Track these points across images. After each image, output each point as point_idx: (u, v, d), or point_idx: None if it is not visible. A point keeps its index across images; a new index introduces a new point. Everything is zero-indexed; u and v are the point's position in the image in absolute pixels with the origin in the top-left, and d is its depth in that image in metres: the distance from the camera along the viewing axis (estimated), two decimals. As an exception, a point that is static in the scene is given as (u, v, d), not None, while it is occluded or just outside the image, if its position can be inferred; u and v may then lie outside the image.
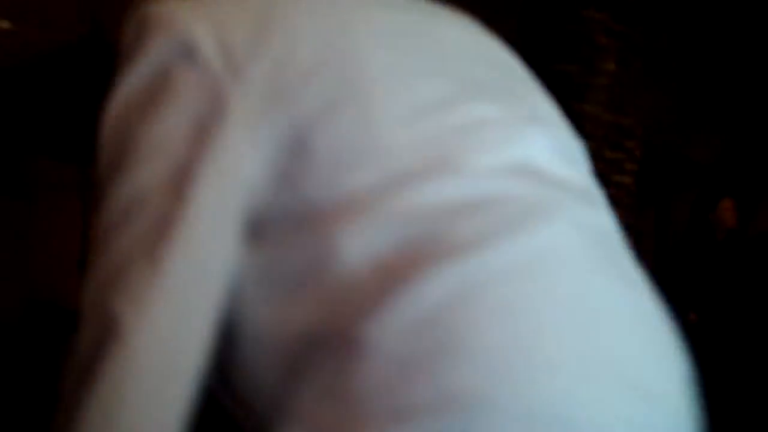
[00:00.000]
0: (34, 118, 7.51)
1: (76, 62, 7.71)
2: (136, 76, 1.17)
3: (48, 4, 9.18)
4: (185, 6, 1.23)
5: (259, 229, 1.15)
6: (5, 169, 9.00)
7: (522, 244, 1.14)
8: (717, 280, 7.58)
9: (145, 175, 1.12)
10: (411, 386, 1.06)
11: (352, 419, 1.07)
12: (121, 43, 1.25)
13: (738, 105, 9.93)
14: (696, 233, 8.02)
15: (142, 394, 1.09)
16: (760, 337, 7.35)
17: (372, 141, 1.15)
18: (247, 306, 1.16)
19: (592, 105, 6.43)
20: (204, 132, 1.13)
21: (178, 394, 1.12)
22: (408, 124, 1.17)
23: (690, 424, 1.25)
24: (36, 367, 7.61)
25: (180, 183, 1.11)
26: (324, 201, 1.13)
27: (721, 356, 7.40)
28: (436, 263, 1.10)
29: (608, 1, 6.45)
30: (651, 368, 1.19)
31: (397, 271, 1.09)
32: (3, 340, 8.30)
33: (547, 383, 1.07)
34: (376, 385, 1.06)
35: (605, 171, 6.43)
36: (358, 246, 1.11)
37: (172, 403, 1.12)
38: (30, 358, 7.91)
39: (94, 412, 1.08)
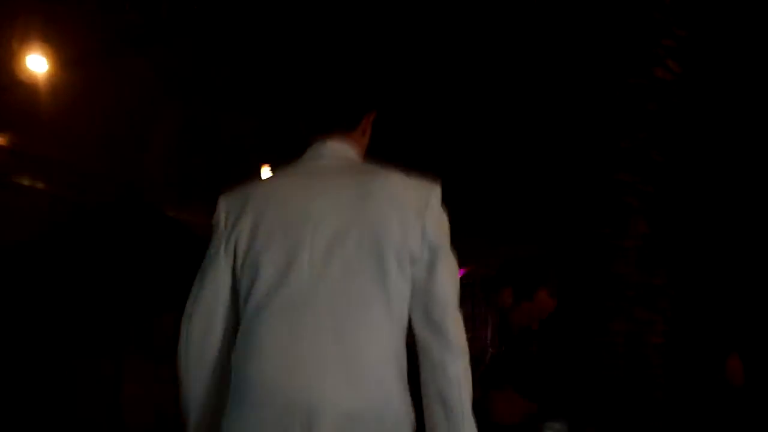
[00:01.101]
0: (71, 279, 7.59)
1: (114, 222, 7.83)
2: None
3: (81, 166, 9.39)
4: (222, 198, 3.10)
5: None
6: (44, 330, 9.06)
7: None
8: None
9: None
10: None
11: None
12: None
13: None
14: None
15: None
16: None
17: None
18: None
19: (624, 266, 6.45)
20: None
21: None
22: None
23: None
24: None
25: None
26: None
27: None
28: None
29: (638, 162, 6.53)
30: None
31: None
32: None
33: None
34: None
35: (636, 330, 6.43)
36: None
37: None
38: None
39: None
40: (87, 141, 9.86)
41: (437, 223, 2.89)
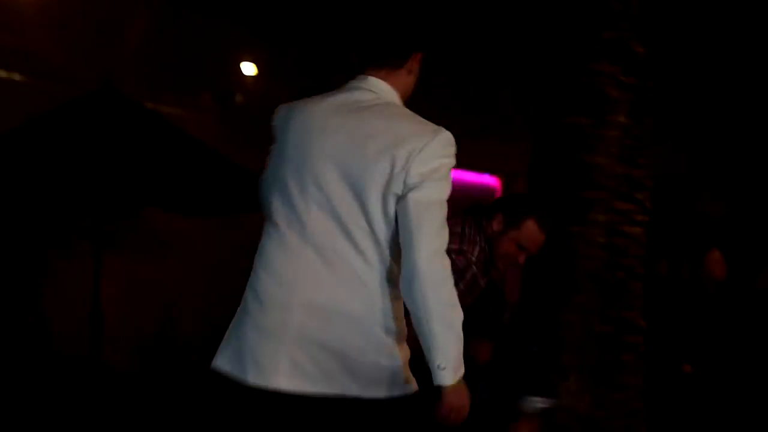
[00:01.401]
0: (49, 172, 7.53)
1: (90, 115, 7.76)
2: None
3: (60, 59, 9.29)
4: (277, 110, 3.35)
5: None
6: (21, 222, 9.05)
7: None
8: (708, 333, 7.65)
9: None
10: None
11: None
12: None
13: (750, 160, 9.94)
14: (688, 286, 8.06)
15: None
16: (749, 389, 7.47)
17: None
18: None
19: (603, 157, 6.46)
20: None
21: None
22: None
23: None
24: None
25: None
26: None
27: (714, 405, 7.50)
28: None
29: (620, 53, 6.50)
30: None
31: None
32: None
33: None
34: None
35: (615, 221, 6.46)
36: None
37: None
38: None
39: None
40: (64, 33, 9.75)
41: (426, 166, 3.08)
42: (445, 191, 3.14)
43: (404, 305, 3.16)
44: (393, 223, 3.10)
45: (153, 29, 10.23)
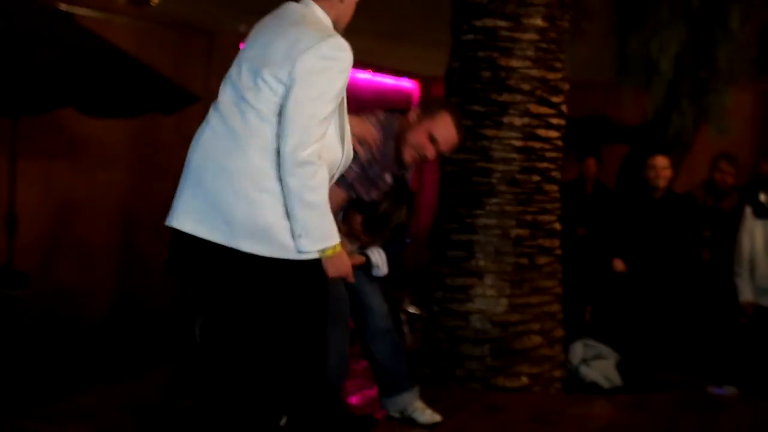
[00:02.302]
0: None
1: (4, 15, 7.59)
2: None
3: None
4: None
5: None
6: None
7: None
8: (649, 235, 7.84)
9: None
10: None
11: None
12: None
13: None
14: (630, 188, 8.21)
15: None
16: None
17: None
18: None
19: (520, 60, 6.47)
20: None
21: None
22: None
23: None
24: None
25: None
26: None
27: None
28: None
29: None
30: None
31: None
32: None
33: None
34: None
35: (532, 125, 6.50)
36: None
37: None
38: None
39: None
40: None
41: (309, 63, 3.66)
42: (327, 90, 3.70)
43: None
44: (276, 103, 3.70)
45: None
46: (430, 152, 4.96)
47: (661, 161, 7.89)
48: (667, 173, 7.89)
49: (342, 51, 3.72)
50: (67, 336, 9.29)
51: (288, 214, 3.68)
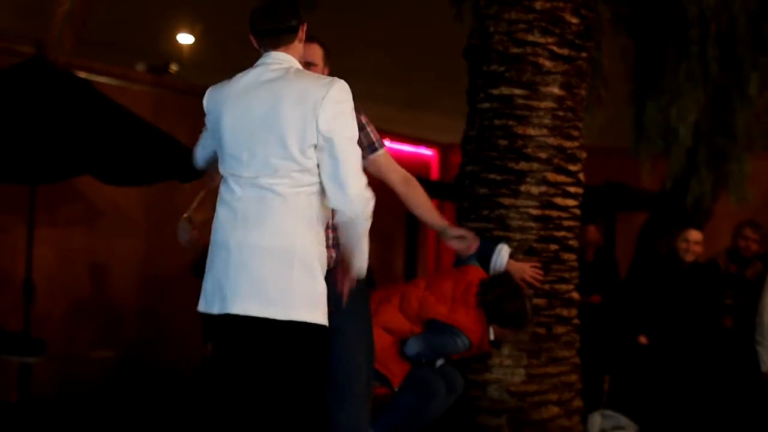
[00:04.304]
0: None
1: (20, 84, 7.63)
2: None
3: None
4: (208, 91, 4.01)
5: None
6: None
7: None
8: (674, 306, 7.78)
9: None
10: None
11: None
12: None
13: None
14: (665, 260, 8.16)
15: None
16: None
17: None
18: None
19: (536, 128, 6.46)
20: None
21: None
22: None
23: None
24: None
25: None
26: None
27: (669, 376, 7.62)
28: None
29: (553, 24, 6.50)
30: None
31: None
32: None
33: None
34: None
35: (549, 193, 6.47)
36: None
37: None
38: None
39: None
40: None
41: (330, 111, 3.73)
42: (354, 129, 3.81)
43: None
44: (311, 168, 3.77)
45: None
46: None
47: (695, 235, 7.89)
48: (698, 249, 7.89)
49: (348, 92, 3.84)
50: (83, 403, 9.25)
51: (311, 276, 3.80)
